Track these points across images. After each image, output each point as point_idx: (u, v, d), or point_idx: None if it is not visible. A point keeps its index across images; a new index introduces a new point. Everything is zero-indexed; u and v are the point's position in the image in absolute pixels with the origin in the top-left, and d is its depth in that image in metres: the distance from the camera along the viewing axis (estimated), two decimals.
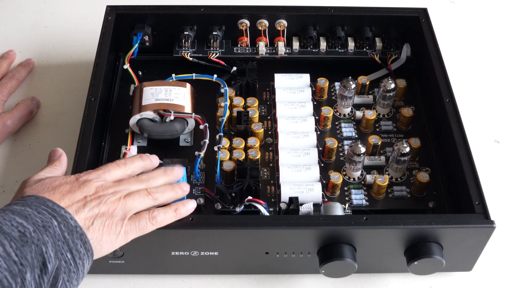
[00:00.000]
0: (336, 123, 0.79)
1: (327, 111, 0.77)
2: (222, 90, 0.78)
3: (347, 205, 0.70)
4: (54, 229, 0.52)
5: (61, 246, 0.52)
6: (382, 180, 0.70)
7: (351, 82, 0.77)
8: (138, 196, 0.60)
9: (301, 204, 0.67)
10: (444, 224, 0.61)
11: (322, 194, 0.70)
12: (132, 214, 0.59)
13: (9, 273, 0.47)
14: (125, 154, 0.71)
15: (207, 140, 0.71)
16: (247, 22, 0.83)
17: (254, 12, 0.83)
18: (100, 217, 0.56)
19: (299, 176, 0.71)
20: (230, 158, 0.72)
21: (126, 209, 0.58)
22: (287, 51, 0.85)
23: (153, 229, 0.59)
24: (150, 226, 0.59)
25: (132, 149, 0.72)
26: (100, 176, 0.60)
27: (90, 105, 0.72)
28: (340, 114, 0.80)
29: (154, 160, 0.66)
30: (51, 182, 0.58)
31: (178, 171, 0.65)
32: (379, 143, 0.74)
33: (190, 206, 0.62)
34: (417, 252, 0.63)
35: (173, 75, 0.79)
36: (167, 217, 0.60)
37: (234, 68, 0.82)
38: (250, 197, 0.66)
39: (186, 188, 0.64)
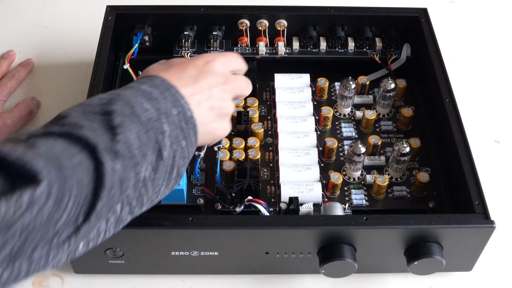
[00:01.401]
0: (336, 123, 0.79)
1: (327, 111, 0.77)
2: None
3: (347, 205, 0.70)
4: (173, 118, 0.54)
5: (178, 135, 0.54)
6: (382, 180, 0.70)
7: (351, 82, 0.77)
8: (246, 84, 0.63)
9: (301, 204, 0.67)
10: (444, 224, 0.61)
11: (322, 194, 0.70)
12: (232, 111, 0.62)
13: (140, 151, 0.50)
14: None
15: None
16: (247, 22, 0.83)
17: (254, 12, 0.83)
18: (217, 110, 0.59)
19: (299, 176, 0.71)
20: (230, 158, 0.72)
21: (232, 108, 0.62)
22: (287, 51, 0.85)
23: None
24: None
25: None
26: (226, 64, 0.62)
27: None
28: (340, 114, 0.80)
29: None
30: (178, 64, 0.60)
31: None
32: (379, 143, 0.74)
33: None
34: (417, 252, 0.63)
35: None
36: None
37: None
38: (250, 197, 0.66)
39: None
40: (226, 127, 0.62)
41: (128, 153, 0.49)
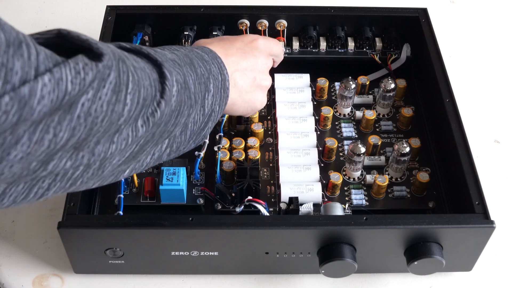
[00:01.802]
0: (336, 123, 0.79)
1: (327, 111, 0.77)
2: None
3: (347, 205, 0.70)
4: (218, 83, 0.58)
5: (217, 98, 0.58)
6: (382, 180, 0.70)
7: (351, 82, 0.77)
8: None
9: (301, 204, 0.67)
10: (444, 224, 0.61)
11: (322, 194, 0.70)
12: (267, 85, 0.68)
13: (194, 98, 0.53)
14: None
15: (207, 140, 0.71)
16: (247, 22, 0.83)
17: (254, 12, 0.83)
18: (258, 81, 0.65)
19: (299, 176, 0.71)
20: (230, 158, 0.72)
21: (268, 83, 0.67)
22: (287, 51, 0.85)
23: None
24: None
25: None
26: (269, 44, 0.68)
27: None
28: (340, 114, 0.80)
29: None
30: (227, 38, 0.66)
31: None
32: (379, 143, 0.74)
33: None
34: (417, 252, 0.63)
35: None
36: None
37: None
38: (250, 197, 0.66)
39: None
40: (263, 100, 0.67)
41: (188, 92, 0.52)
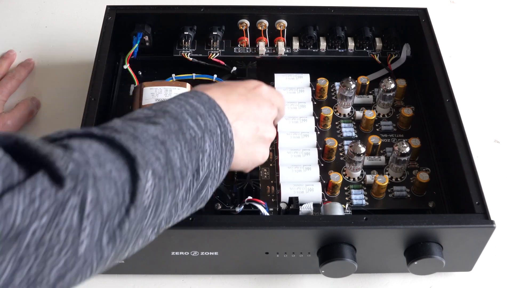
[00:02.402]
0: (336, 123, 0.79)
1: (327, 111, 0.77)
2: None
3: (347, 205, 0.70)
4: (217, 138, 0.53)
5: (216, 155, 0.53)
6: (382, 180, 0.70)
7: (351, 82, 0.77)
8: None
9: (301, 204, 0.67)
10: (444, 224, 0.61)
11: (322, 194, 0.70)
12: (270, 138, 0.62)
13: (180, 173, 0.49)
14: None
15: None
16: (247, 22, 0.83)
17: (254, 12, 0.83)
18: (258, 140, 0.60)
19: (299, 176, 0.71)
20: None
21: (272, 135, 0.62)
22: (287, 51, 0.85)
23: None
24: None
25: None
26: (272, 93, 0.63)
27: (90, 105, 0.72)
28: (340, 114, 0.80)
29: None
30: (228, 84, 0.61)
31: None
32: (379, 143, 0.74)
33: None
34: (417, 252, 0.63)
35: (173, 75, 0.79)
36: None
37: (234, 68, 0.82)
38: (250, 197, 0.66)
39: None
40: (266, 153, 0.61)
41: (170, 174, 0.48)
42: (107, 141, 0.45)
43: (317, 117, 0.79)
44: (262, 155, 0.61)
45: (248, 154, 0.59)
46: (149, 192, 0.45)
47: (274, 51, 0.85)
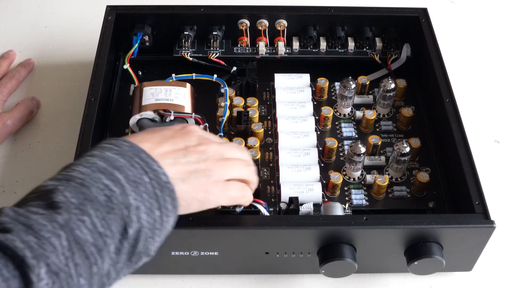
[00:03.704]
0: (336, 123, 0.79)
1: (327, 111, 0.77)
2: (222, 90, 0.78)
3: (347, 205, 0.70)
4: (146, 186, 0.50)
5: (152, 204, 0.50)
6: (382, 180, 0.70)
7: (351, 82, 0.77)
8: (239, 164, 0.58)
9: (301, 204, 0.67)
10: (444, 224, 0.61)
11: (322, 194, 0.70)
12: (227, 178, 0.57)
13: (95, 247, 0.46)
14: None
15: None
16: (247, 22, 0.83)
17: (254, 12, 0.83)
18: (197, 173, 0.54)
19: (299, 176, 0.71)
20: None
21: (224, 172, 0.56)
22: (287, 51, 0.85)
23: (241, 203, 0.58)
24: (241, 199, 0.58)
25: None
26: (205, 133, 0.59)
27: (90, 105, 0.72)
28: (340, 114, 0.80)
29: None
30: (153, 129, 0.57)
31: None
32: (379, 143, 0.74)
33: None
34: (417, 252, 0.63)
35: (173, 75, 0.79)
36: (250, 200, 0.59)
37: (234, 68, 0.82)
38: None
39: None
40: (216, 194, 0.55)
41: (80, 253, 0.45)
42: None
43: (317, 117, 0.79)
44: (213, 196, 0.55)
45: (193, 199, 0.54)
46: None
47: (274, 51, 0.85)
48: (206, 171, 0.55)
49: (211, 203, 0.56)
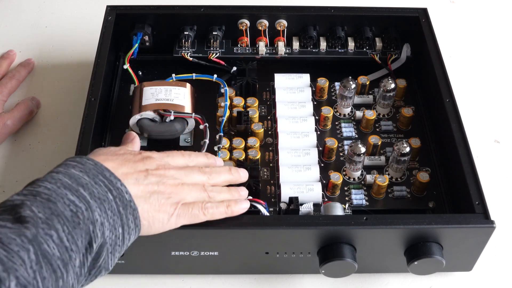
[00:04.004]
0: (336, 123, 0.79)
1: (327, 111, 0.77)
2: (222, 90, 0.78)
3: (347, 205, 0.70)
4: (110, 203, 0.52)
5: (115, 221, 0.52)
6: (382, 180, 0.70)
7: (351, 82, 0.77)
8: (195, 189, 0.60)
9: (301, 204, 0.67)
10: (444, 224, 0.61)
11: (322, 194, 0.70)
12: (185, 201, 0.59)
13: (62, 262, 0.47)
14: None
15: (207, 140, 0.71)
16: (247, 22, 0.83)
17: (254, 12, 0.83)
18: (157, 194, 0.57)
19: (299, 176, 0.71)
20: (230, 158, 0.72)
21: (181, 195, 0.58)
22: (287, 51, 0.85)
23: (204, 219, 0.59)
24: (202, 216, 0.59)
25: None
26: (163, 158, 0.61)
27: (90, 105, 0.72)
28: (340, 114, 0.80)
29: (218, 161, 0.66)
30: (116, 150, 0.59)
31: (242, 173, 0.65)
32: (379, 143, 0.74)
33: (243, 205, 0.62)
34: (417, 252, 0.63)
35: (173, 75, 0.79)
36: (219, 211, 0.60)
37: (234, 68, 0.82)
38: (250, 197, 0.66)
39: (243, 192, 0.64)
40: (175, 215, 0.57)
41: (48, 267, 0.45)
42: None
43: (317, 117, 0.79)
44: (167, 219, 0.57)
45: (153, 214, 0.56)
46: None
47: (274, 51, 0.85)
48: (165, 193, 0.57)
49: (171, 224, 0.58)
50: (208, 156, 0.66)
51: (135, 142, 0.65)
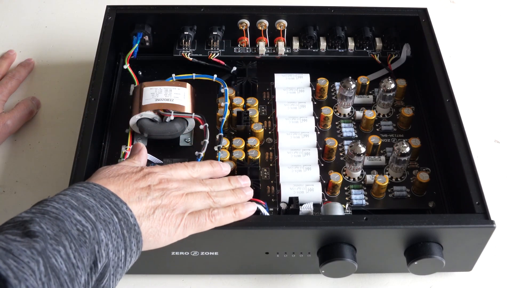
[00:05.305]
0: (336, 123, 0.79)
1: (327, 111, 0.77)
2: (222, 90, 0.78)
3: (347, 205, 0.70)
4: (115, 226, 0.53)
5: (119, 243, 0.53)
6: (382, 180, 0.70)
7: (351, 82, 0.77)
8: (199, 197, 0.61)
9: (301, 204, 0.67)
10: (444, 224, 0.61)
11: (322, 194, 0.70)
12: (191, 211, 0.59)
13: (68, 277, 0.48)
14: (125, 154, 0.71)
15: (207, 140, 0.71)
16: (247, 22, 0.83)
17: (254, 12, 0.83)
18: (161, 208, 0.57)
19: (299, 176, 0.71)
20: (230, 158, 0.72)
21: (186, 205, 0.59)
22: (287, 51, 0.85)
23: (212, 227, 0.60)
24: (209, 224, 0.59)
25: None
26: (166, 171, 0.61)
27: (90, 105, 0.72)
28: (340, 114, 0.80)
29: (225, 168, 0.67)
30: (118, 170, 0.59)
31: (243, 181, 0.66)
32: (379, 143, 0.74)
33: (250, 208, 0.62)
34: (417, 252, 0.63)
35: (173, 75, 0.79)
36: (226, 216, 0.60)
37: (234, 68, 0.82)
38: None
39: (248, 193, 0.64)
40: (182, 226, 0.58)
41: (55, 280, 0.46)
42: None
43: (317, 117, 0.79)
44: (179, 228, 0.58)
45: (158, 229, 0.57)
46: None
47: (274, 51, 0.85)
48: (170, 206, 0.58)
49: (179, 235, 0.59)
50: (213, 164, 0.66)
51: (142, 154, 0.65)
